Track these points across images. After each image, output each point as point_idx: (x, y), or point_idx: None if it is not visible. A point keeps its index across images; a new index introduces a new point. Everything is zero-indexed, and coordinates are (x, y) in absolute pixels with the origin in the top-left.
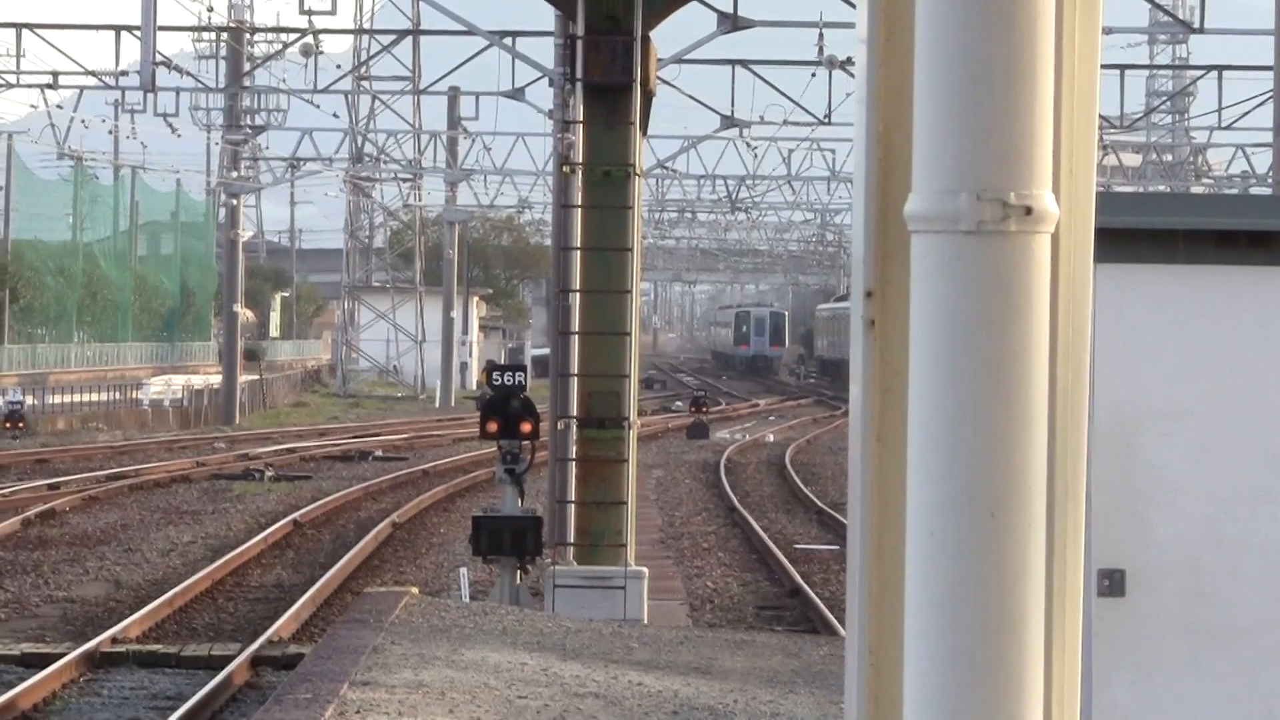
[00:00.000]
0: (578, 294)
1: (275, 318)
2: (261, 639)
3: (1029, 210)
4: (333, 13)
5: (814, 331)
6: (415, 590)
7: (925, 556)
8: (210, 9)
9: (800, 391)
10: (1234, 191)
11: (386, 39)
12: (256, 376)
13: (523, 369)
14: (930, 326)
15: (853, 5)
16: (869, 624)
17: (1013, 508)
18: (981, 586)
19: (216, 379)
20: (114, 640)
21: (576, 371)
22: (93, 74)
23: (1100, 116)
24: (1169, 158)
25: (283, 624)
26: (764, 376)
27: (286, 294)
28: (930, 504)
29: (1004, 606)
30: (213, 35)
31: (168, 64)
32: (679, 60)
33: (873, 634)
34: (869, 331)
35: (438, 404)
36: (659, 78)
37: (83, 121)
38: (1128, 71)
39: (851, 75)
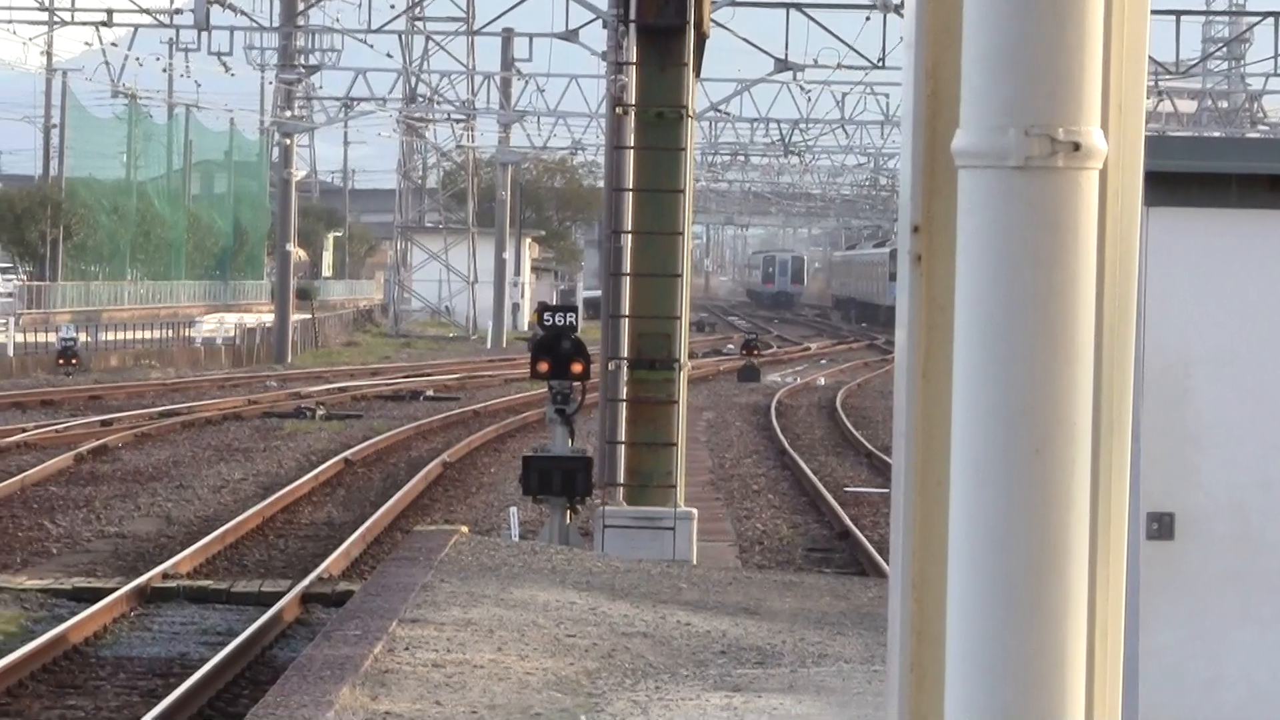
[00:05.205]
0: (629, 235)
1: (328, 257)
2: (311, 576)
3: (1077, 146)
4: None
5: (830, 274)
6: (465, 529)
7: (969, 492)
8: None
9: (852, 335)
10: None
11: None
12: (309, 316)
13: (574, 310)
14: (976, 262)
15: None
16: (913, 559)
17: (1058, 444)
18: (1025, 523)
19: (269, 318)
20: (165, 576)
21: (627, 313)
22: (147, 12)
23: (1155, 62)
24: (1224, 104)
25: (333, 561)
26: (785, 309)
27: (339, 234)
28: (975, 440)
29: (1047, 543)
30: None
31: (221, 3)
32: (733, 3)
33: (916, 570)
34: (915, 267)
35: (489, 345)
36: (713, 20)
37: (137, 60)
38: (1184, 17)
39: None
